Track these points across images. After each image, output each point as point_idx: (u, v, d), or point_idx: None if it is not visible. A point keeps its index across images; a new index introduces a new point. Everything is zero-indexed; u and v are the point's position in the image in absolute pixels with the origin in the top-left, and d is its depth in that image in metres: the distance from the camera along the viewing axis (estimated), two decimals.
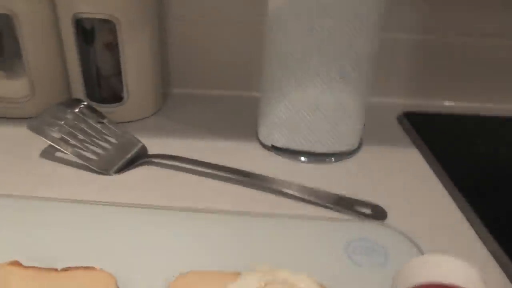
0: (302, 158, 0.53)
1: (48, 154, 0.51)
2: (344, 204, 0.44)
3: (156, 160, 0.51)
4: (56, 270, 0.32)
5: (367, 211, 0.43)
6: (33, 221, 0.39)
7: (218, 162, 0.48)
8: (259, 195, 0.46)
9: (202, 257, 0.35)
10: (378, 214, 0.43)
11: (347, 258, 0.37)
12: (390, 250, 0.37)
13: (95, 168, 0.48)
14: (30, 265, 0.32)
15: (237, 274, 0.32)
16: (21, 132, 0.56)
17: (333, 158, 0.53)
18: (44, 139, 0.48)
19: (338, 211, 0.43)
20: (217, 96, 0.71)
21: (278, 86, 0.50)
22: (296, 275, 0.32)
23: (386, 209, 0.44)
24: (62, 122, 0.50)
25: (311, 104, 0.49)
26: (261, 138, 0.55)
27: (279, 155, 0.54)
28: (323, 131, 0.51)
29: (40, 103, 0.58)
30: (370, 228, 0.40)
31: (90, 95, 0.58)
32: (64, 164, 0.50)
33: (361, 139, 0.56)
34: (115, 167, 0.49)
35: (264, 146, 0.55)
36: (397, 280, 0.26)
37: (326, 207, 0.44)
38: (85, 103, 0.54)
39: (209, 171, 0.48)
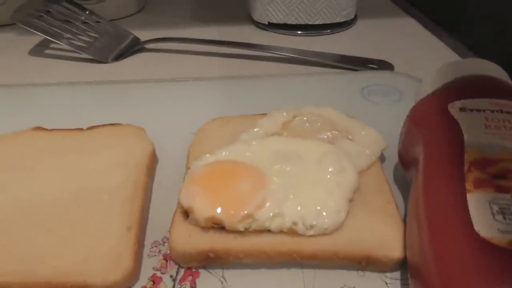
0: (299, 32, 0.52)
1: (36, 52, 0.49)
2: (351, 62, 0.44)
3: (150, 46, 0.49)
4: (82, 129, 0.31)
5: (374, 66, 0.44)
6: (42, 101, 0.38)
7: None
8: (262, 63, 0.46)
9: (223, 112, 0.35)
10: (385, 66, 0.44)
11: (364, 99, 0.38)
12: (403, 90, 0.38)
13: (93, 57, 0.46)
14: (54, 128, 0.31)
15: (264, 115, 0.32)
16: None
17: (329, 30, 0.52)
18: (34, 31, 0.45)
19: (346, 68, 0.44)
20: None
21: None
22: (320, 108, 0.32)
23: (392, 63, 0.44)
24: (48, 16, 0.47)
25: None
26: (256, 17, 0.53)
27: (276, 32, 0.53)
28: (320, 1, 0.50)
29: (11, 9, 0.54)
30: (382, 76, 0.41)
31: None
32: (56, 58, 0.47)
33: (356, 14, 0.55)
34: (112, 55, 0.47)
35: (259, 25, 0.54)
36: (437, 76, 0.27)
37: (333, 66, 0.44)
38: None
39: (206, 48, 0.47)
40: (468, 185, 0.18)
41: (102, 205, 0.25)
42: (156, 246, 0.25)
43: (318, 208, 0.24)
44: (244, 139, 0.29)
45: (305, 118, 0.31)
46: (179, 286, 0.22)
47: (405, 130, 0.26)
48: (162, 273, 0.23)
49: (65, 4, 0.49)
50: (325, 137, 0.30)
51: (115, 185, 0.26)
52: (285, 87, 0.40)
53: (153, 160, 0.30)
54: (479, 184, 0.18)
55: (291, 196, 0.24)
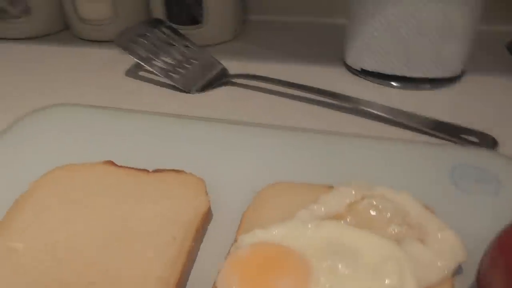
0: (394, 84, 0.48)
1: (132, 72, 0.51)
2: (446, 130, 0.39)
3: (237, 81, 0.49)
4: (147, 171, 0.32)
5: (473, 139, 0.39)
6: (122, 129, 0.39)
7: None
8: (348, 117, 0.43)
9: (292, 172, 0.33)
10: (486, 142, 0.38)
11: (452, 183, 0.33)
12: (504, 180, 0.33)
13: (178, 86, 0.47)
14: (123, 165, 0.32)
15: (330, 187, 0.30)
16: (103, 53, 0.57)
17: (429, 85, 0.47)
18: (131, 56, 0.47)
19: (439, 136, 0.39)
20: (298, 22, 0.67)
21: None
22: (396, 193, 0.29)
23: (497, 139, 0.38)
24: (146, 41, 0.49)
25: (410, 19, 0.44)
26: (349, 61, 0.50)
27: (368, 80, 0.49)
28: (422, 52, 0.45)
29: (122, 26, 0.58)
30: (479, 155, 0.35)
31: (169, 17, 0.56)
32: (147, 81, 0.50)
33: (464, 66, 0.50)
34: (197, 86, 0.47)
35: (352, 70, 0.51)
36: None
37: (425, 132, 0.40)
38: (166, 23, 0.52)
39: (293, 91, 0.46)
40: None
41: (146, 263, 0.25)
42: None
43: None
44: (300, 218, 0.27)
45: (374, 203, 0.28)
46: None
47: (489, 253, 0.22)
48: None
49: (163, 29, 0.51)
50: (393, 232, 0.26)
51: (162, 243, 0.26)
52: (362, 151, 0.36)
53: (206, 219, 0.29)
54: None
55: None
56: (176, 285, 0.24)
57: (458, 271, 0.25)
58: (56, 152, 0.36)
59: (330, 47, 0.57)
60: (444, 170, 0.34)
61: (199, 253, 0.28)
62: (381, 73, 0.48)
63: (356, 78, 0.50)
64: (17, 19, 0.60)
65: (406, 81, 0.48)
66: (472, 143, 0.38)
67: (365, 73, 0.49)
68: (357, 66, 0.49)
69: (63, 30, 0.64)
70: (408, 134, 0.40)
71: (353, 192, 0.28)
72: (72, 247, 0.26)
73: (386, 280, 0.22)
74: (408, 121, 0.40)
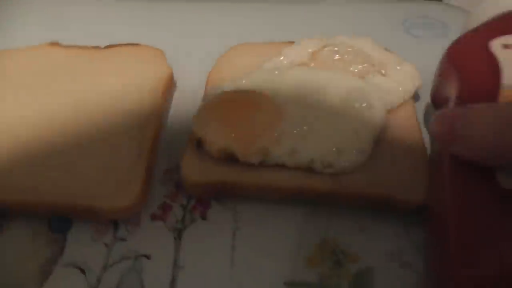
0: None
1: None
2: None
3: None
4: (99, 48, 0.30)
5: None
6: (73, 10, 0.36)
7: None
8: None
9: (254, 35, 0.32)
10: None
11: (406, 32, 0.34)
12: (450, 24, 0.34)
13: None
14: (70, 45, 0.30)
15: (291, 43, 0.30)
16: None
17: None
18: None
19: None
20: None
21: None
22: (355, 39, 0.29)
23: None
24: None
25: None
26: None
27: None
28: None
29: None
30: (429, 7, 0.37)
31: None
32: None
33: None
34: None
35: None
36: (483, 10, 0.23)
37: None
38: None
39: None
40: None
41: (115, 130, 0.24)
42: (169, 174, 0.24)
43: (339, 146, 0.22)
44: (267, 68, 0.27)
45: (336, 49, 0.28)
46: (189, 215, 0.22)
47: (440, 67, 0.24)
48: (173, 202, 0.23)
49: None
50: (356, 70, 0.27)
51: (128, 110, 0.25)
52: (320, 14, 0.36)
53: (170, 86, 0.28)
54: None
55: (311, 131, 0.22)
56: (151, 144, 0.24)
57: (416, 97, 0.27)
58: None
59: None
60: (397, 22, 0.35)
61: (168, 119, 0.27)
62: None
63: None
64: None
65: None
66: None
67: None
68: None
69: None
70: None
71: (315, 43, 0.29)
72: (34, 125, 0.25)
73: (356, 104, 0.23)
74: None
